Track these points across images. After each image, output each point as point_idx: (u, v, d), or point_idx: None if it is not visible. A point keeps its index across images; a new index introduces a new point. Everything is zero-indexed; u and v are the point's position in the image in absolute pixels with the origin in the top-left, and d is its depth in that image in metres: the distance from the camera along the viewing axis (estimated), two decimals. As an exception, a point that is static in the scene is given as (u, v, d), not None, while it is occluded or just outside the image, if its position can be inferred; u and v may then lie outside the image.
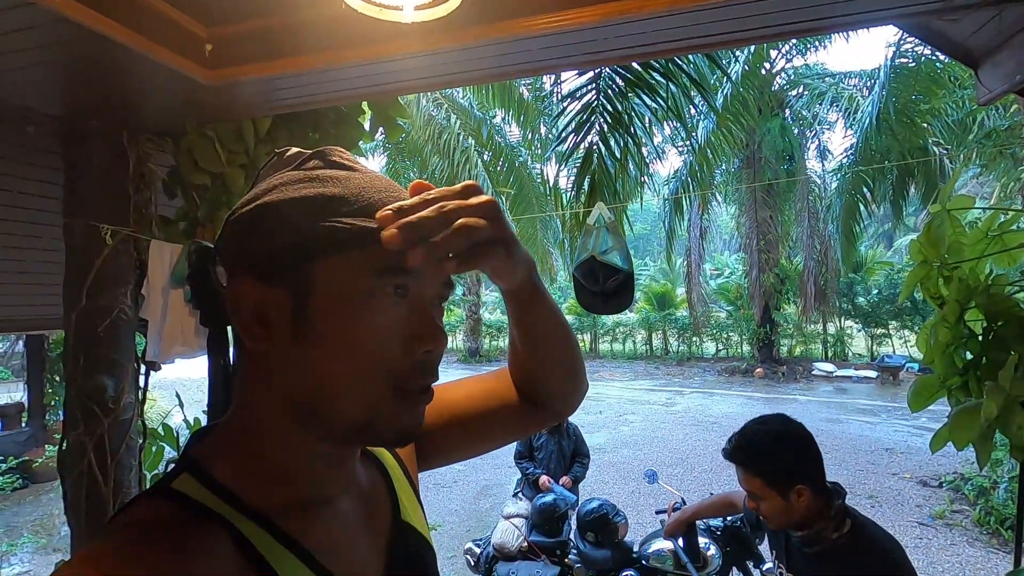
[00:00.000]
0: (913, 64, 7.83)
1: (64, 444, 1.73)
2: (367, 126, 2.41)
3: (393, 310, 0.46)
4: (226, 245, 0.47)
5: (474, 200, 0.45)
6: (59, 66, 1.43)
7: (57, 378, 7.33)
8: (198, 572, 0.38)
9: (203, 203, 1.89)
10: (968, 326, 1.24)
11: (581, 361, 0.72)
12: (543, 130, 9.56)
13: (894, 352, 13.77)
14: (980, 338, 1.22)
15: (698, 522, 3.12)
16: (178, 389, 2.67)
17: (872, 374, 12.37)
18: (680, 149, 10.29)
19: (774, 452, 1.39)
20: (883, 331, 14.16)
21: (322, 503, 0.49)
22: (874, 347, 14.47)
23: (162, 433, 2.25)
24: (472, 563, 3.19)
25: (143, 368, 1.88)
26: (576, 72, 3.56)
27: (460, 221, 0.43)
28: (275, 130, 2.01)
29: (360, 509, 0.53)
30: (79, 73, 1.48)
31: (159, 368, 1.83)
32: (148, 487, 0.46)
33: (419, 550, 0.57)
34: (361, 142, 2.41)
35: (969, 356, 1.25)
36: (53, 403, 7.36)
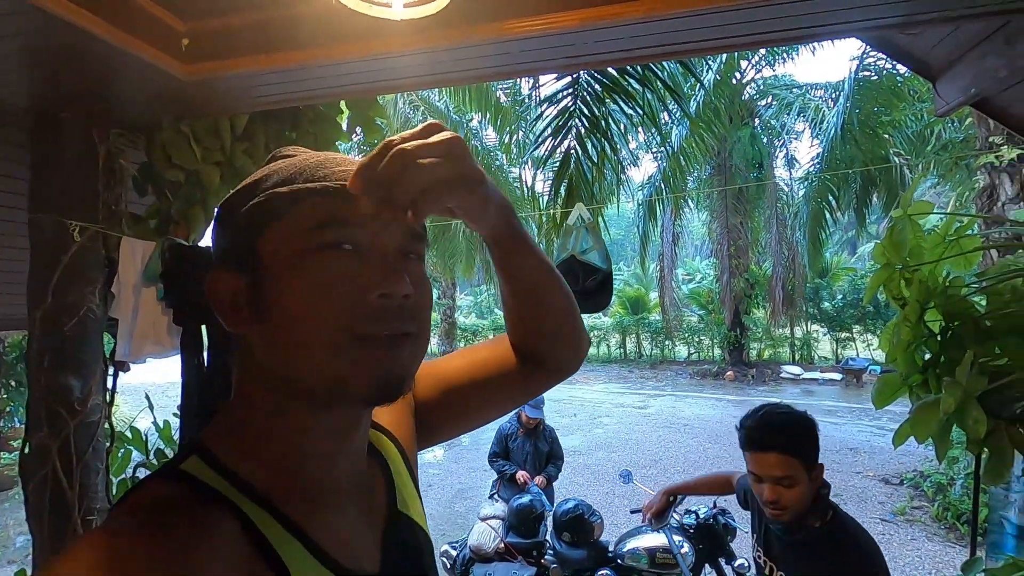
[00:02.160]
0: (876, 77, 8.14)
1: (26, 448, 1.67)
2: (345, 126, 2.39)
3: (341, 263, 0.45)
4: (212, 242, 0.51)
5: (434, 138, 0.42)
6: (29, 57, 1.39)
7: (13, 383, 7.02)
8: (207, 554, 0.38)
9: (176, 200, 1.85)
10: (928, 326, 1.29)
11: (575, 311, 0.68)
12: (520, 134, 9.61)
13: (858, 355, 14.20)
14: (939, 337, 1.28)
15: (672, 520, 3.17)
16: (146, 393, 2.60)
17: (837, 376, 12.74)
18: (655, 155, 10.47)
19: (808, 432, 1.43)
20: (847, 335, 14.61)
21: (326, 488, 0.49)
22: (839, 350, 14.91)
23: (130, 436, 2.19)
24: (448, 565, 3.18)
25: (111, 369, 1.82)
26: (555, 76, 3.60)
27: (413, 160, 0.40)
28: (252, 128, 1.98)
29: (360, 499, 0.53)
30: (50, 65, 1.43)
31: (128, 368, 1.78)
32: (157, 470, 0.46)
33: (416, 541, 0.58)
34: (339, 141, 2.39)
35: (928, 355, 1.31)
36: (9, 408, 7.06)
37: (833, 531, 1.42)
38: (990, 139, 4.41)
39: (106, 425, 1.81)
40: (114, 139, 1.81)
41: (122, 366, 1.79)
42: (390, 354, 0.45)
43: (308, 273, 0.44)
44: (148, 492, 0.42)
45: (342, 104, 2.32)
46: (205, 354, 0.63)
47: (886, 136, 9.01)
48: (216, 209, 0.50)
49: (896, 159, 9.49)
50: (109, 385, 1.85)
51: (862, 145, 8.42)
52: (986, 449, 1.11)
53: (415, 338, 0.48)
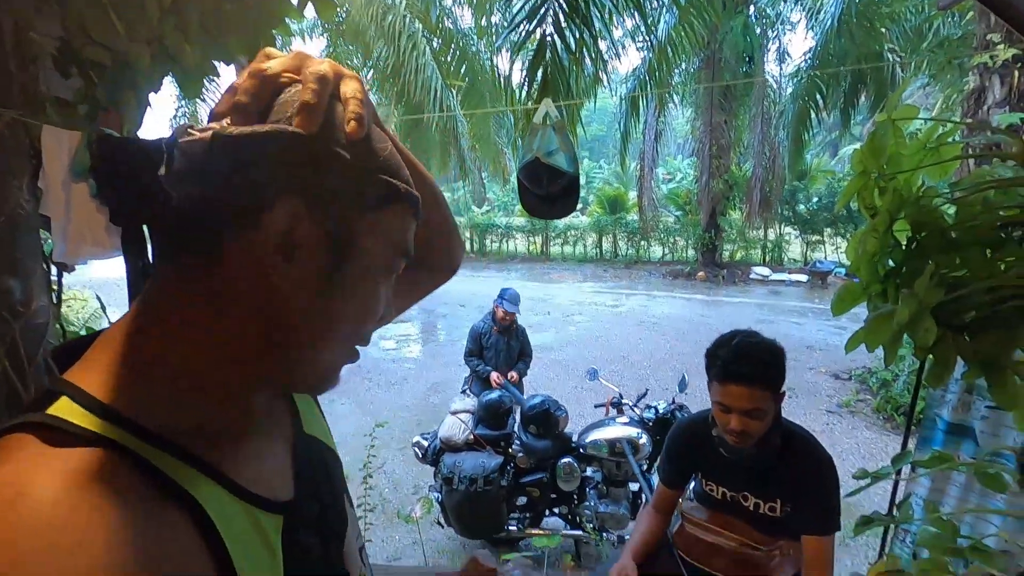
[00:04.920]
0: (881, -38, 7.57)
1: (-28, 350, 1.61)
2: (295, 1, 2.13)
3: (388, 287, 0.49)
4: (278, 153, 0.39)
5: (311, 65, 0.44)
6: None
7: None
8: (102, 506, 0.33)
9: (102, 83, 1.66)
10: (895, 236, 1.28)
11: (451, 227, 0.73)
12: (497, 16, 8.88)
13: (826, 258, 14.61)
14: (904, 248, 1.27)
15: (630, 412, 3.35)
16: (96, 294, 2.51)
17: (803, 278, 13.17)
18: (639, 45, 9.84)
19: (780, 362, 1.41)
20: (818, 238, 14.90)
21: (231, 421, 0.45)
22: (808, 253, 15.27)
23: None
24: (420, 455, 3.36)
25: (54, 269, 1.73)
26: (532, -51, 3.23)
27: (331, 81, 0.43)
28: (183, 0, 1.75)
29: (265, 426, 0.50)
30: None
31: (72, 269, 1.69)
32: (14, 417, 0.38)
33: (324, 459, 0.57)
34: (290, 19, 2.14)
35: (892, 265, 1.31)
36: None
37: (790, 442, 1.49)
38: (988, 37, 4.21)
39: (57, 326, 1.75)
40: (18, 8, 1.58)
41: (64, 267, 1.70)
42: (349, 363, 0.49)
43: (374, 289, 0.47)
44: (10, 453, 0.34)
45: (288, -27, 2.04)
46: (151, 256, 0.56)
47: (883, 30, 8.58)
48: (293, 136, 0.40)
49: (890, 56, 9.13)
50: (55, 287, 1.77)
51: (858, 38, 8.03)
52: (931, 355, 1.14)
53: None
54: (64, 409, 0.37)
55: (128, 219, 0.45)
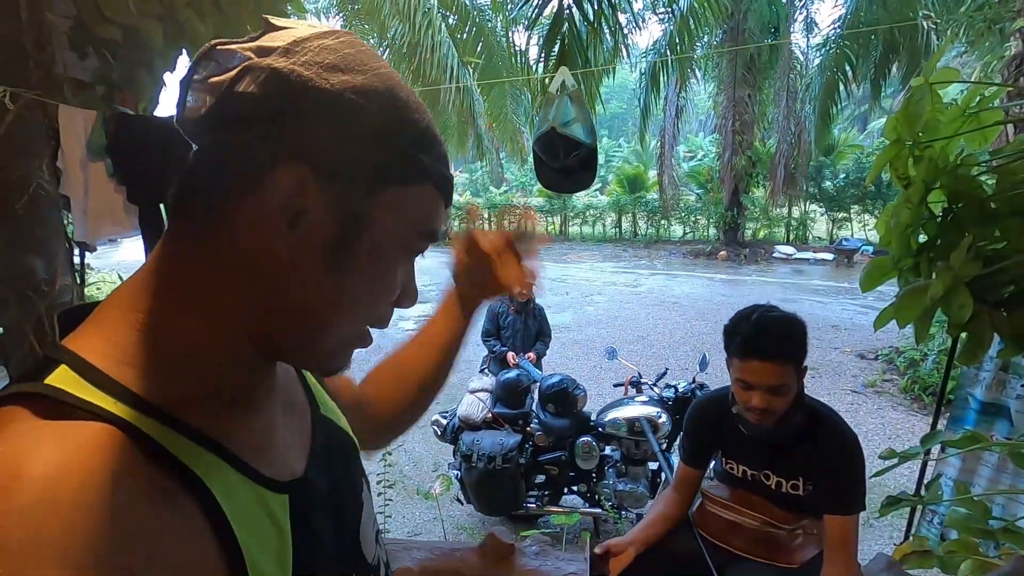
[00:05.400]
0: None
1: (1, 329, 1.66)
2: (305, -25, 2.10)
3: (407, 269, 0.47)
4: (287, 111, 0.37)
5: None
6: None
7: None
8: (102, 484, 0.31)
9: (117, 62, 1.66)
10: (930, 208, 1.22)
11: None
12: (515, -10, 8.68)
13: (852, 236, 14.23)
14: (939, 220, 1.21)
15: (649, 392, 3.33)
16: (118, 273, 2.55)
17: (829, 256, 12.87)
18: (661, 16, 9.57)
19: (802, 337, 1.37)
20: (844, 215, 14.51)
21: (240, 402, 0.43)
22: (834, 231, 14.90)
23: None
24: (439, 432, 3.38)
25: (77, 248, 1.76)
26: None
27: None
28: (193, -26, 1.73)
29: (280, 407, 0.49)
30: None
31: (94, 249, 1.71)
32: (8, 387, 0.36)
33: (341, 443, 0.55)
34: (302, -5, 2.11)
35: (925, 238, 1.25)
36: None
37: (814, 419, 1.45)
38: (1032, -2, 3.97)
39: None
40: (33, -14, 1.57)
41: (86, 246, 1.72)
42: (360, 347, 0.47)
43: (389, 270, 0.44)
44: (6, 426, 0.32)
45: (299, -53, 2.01)
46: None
47: (918, -5, 8.19)
48: (331, 88, 0.38)
49: (924, 24, 8.72)
50: (78, 265, 1.80)
51: (890, 5, 7.67)
52: (965, 332, 1.09)
53: None
54: (61, 379, 0.35)
55: (145, 198, 0.44)
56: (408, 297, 0.48)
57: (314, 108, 0.37)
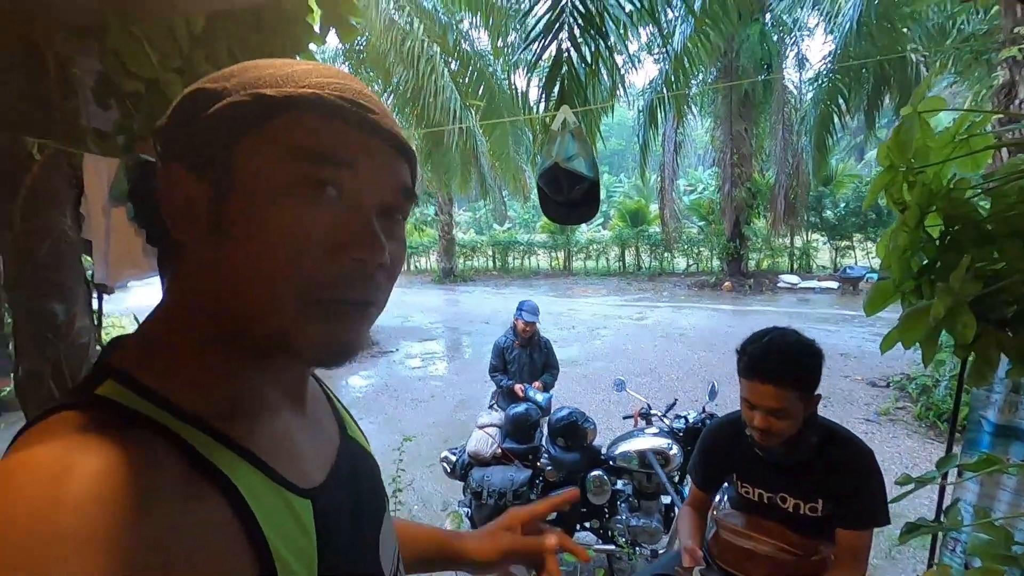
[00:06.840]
0: (899, -38, 7.49)
1: (19, 372, 1.68)
2: (317, 28, 2.21)
3: (318, 209, 0.41)
4: (164, 132, 0.44)
5: None
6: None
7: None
8: (145, 483, 0.34)
9: (138, 113, 1.74)
10: (927, 231, 1.25)
11: None
12: (513, 36, 9.02)
13: (856, 263, 14.25)
14: (937, 242, 1.24)
15: (659, 423, 3.30)
16: (134, 315, 2.60)
17: (834, 285, 12.85)
18: (656, 57, 9.87)
19: (811, 365, 1.37)
20: (847, 243, 14.57)
21: (265, 413, 0.47)
22: (838, 259, 14.94)
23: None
24: (448, 470, 3.34)
25: (95, 292, 1.80)
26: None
27: None
28: (211, 30, 1.83)
29: (306, 423, 0.52)
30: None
31: (111, 291, 1.76)
32: (63, 397, 0.41)
33: (365, 463, 0.58)
34: (312, 44, 2.22)
35: (925, 260, 1.27)
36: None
37: (830, 440, 1.45)
38: (1015, 30, 4.11)
39: (97, 347, 1.82)
40: (62, 44, 1.67)
41: (105, 289, 1.77)
42: (343, 324, 0.43)
43: (285, 210, 0.40)
44: (59, 423, 0.37)
45: (312, 2, 2.12)
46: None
47: (904, 30, 8.43)
48: (183, 95, 0.43)
49: (913, 56, 8.96)
50: (96, 309, 1.84)
51: (878, 41, 7.90)
52: (972, 353, 1.10)
53: (375, 306, 0.45)
54: (110, 390, 0.40)
55: (162, 240, 0.48)
56: (357, 244, 0.42)
57: (172, 114, 0.43)
